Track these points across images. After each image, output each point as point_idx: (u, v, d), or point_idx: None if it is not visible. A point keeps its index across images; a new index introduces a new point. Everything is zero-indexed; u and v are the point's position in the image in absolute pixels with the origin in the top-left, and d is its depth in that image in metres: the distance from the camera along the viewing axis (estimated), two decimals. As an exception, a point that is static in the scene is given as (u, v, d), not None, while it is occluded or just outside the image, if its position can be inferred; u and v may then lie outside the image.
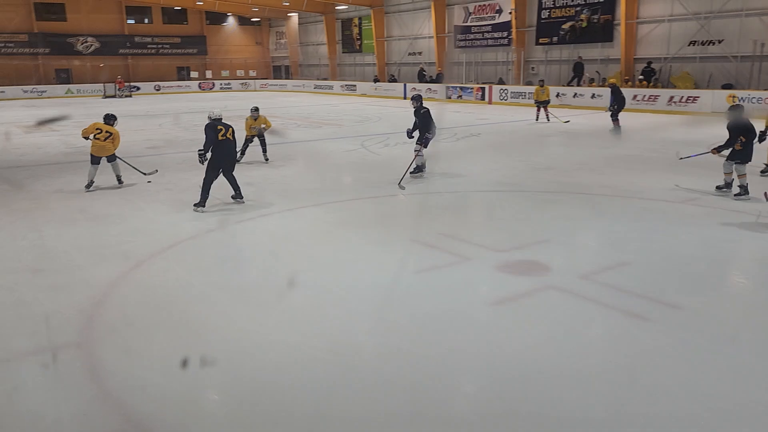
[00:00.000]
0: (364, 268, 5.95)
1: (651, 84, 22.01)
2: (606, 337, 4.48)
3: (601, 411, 3.50)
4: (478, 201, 8.82)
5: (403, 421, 3.47)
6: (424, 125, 9.95)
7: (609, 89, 16.52)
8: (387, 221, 7.76)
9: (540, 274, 5.60)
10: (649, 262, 5.94)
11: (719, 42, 20.90)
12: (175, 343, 4.42)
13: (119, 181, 9.81)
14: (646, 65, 22.48)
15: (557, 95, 22.73)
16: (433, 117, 9.98)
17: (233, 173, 8.34)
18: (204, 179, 8.05)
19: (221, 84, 42.61)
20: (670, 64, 22.36)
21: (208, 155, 8.07)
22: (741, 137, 8.06)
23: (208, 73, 43.77)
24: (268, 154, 11.91)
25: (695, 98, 19.44)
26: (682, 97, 19.76)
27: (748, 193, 8.19)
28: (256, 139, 11.64)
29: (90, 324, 4.70)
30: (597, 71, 24.63)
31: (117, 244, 6.75)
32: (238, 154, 10.45)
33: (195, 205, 8.10)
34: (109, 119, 9.64)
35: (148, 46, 42.44)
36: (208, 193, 8.08)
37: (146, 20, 42.64)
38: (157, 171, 10.38)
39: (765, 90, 18.64)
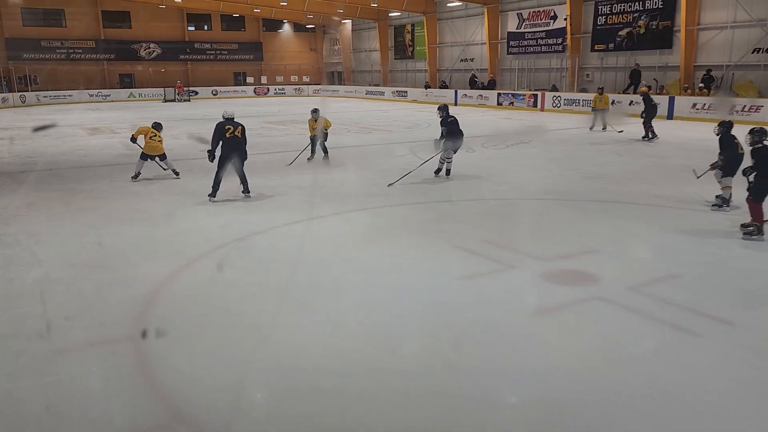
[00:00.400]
0: (408, 273, 5.98)
1: (711, 92, 21.26)
2: (652, 351, 4.37)
3: (646, 427, 3.42)
4: (526, 209, 8.73)
5: (442, 429, 3.48)
6: (450, 133, 10.26)
7: (666, 96, 16.02)
8: (432, 227, 7.77)
9: (586, 285, 5.50)
10: (701, 275, 5.75)
11: (787, 49, 20.01)
12: (220, 340, 4.56)
13: (176, 173, 11.00)
14: (705, 73, 21.73)
15: (612, 103, 22.21)
16: (459, 126, 10.38)
17: (243, 168, 8.99)
18: (216, 172, 8.85)
19: (275, 89, 43.50)
20: (733, 72, 21.54)
21: (218, 153, 8.77)
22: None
23: (263, 79, 44.77)
24: (329, 154, 12.53)
25: (759, 107, 18.64)
26: (745, 106, 18.98)
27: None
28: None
29: (141, 319, 4.90)
30: (655, 79, 23.94)
31: (170, 243, 7.01)
32: (309, 153, 12.27)
33: (209, 195, 8.98)
34: (157, 127, 11.04)
35: (207, 52, 43.76)
36: (218, 185, 8.93)
37: (206, 27, 43.98)
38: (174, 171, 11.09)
39: (836, 99, 17.74)
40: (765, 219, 6.90)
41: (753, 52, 20.94)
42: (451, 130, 10.26)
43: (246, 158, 8.99)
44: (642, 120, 15.48)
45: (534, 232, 7.66)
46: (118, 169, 12.10)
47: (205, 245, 6.86)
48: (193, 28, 43.47)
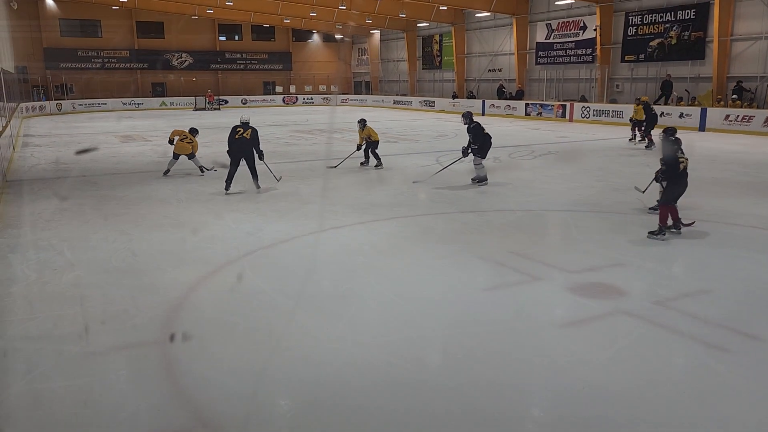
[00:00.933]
0: (433, 284, 5.98)
1: (746, 104, 20.85)
2: (679, 367, 4.30)
3: (669, 443, 3.37)
4: (552, 220, 8.66)
5: (460, 437, 3.47)
6: (476, 139, 10.57)
7: (698, 108, 15.72)
8: (458, 237, 7.76)
9: (612, 298, 5.43)
10: (731, 290, 5.64)
11: (824, 60, 19.56)
12: (245, 346, 4.62)
13: (201, 171, 12.40)
14: (736, 84, 21.34)
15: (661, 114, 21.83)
16: (485, 129, 10.76)
17: (254, 165, 10.26)
18: (228, 169, 10.24)
19: (304, 98, 43.98)
20: (767, 83, 21.11)
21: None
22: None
23: (292, 88, 45.29)
24: (380, 162, 13.18)
25: (795, 119, 18.24)
26: (779, 118, 18.59)
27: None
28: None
29: (169, 324, 4.99)
30: (686, 90, 23.60)
31: (197, 249, 7.12)
32: (363, 160, 13.19)
33: (225, 189, 10.25)
34: (194, 131, 12.62)
35: (238, 61, 44.47)
36: (229, 179, 10.24)
37: (236, 37, 44.73)
38: (216, 170, 12.20)
39: None
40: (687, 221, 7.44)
41: (789, 63, 20.51)
42: (476, 135, 10.52)
43: (254, 157, 10.22)
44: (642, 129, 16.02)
45: (561, 243, 7.60)
46: (149, 176, 12.34)
47: (232, 252, 6.96)
48: (224, 38, 44.25)
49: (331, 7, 33.70)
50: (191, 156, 12.38)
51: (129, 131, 23.23)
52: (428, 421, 3.61)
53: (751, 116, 19.33)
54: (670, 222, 7.33)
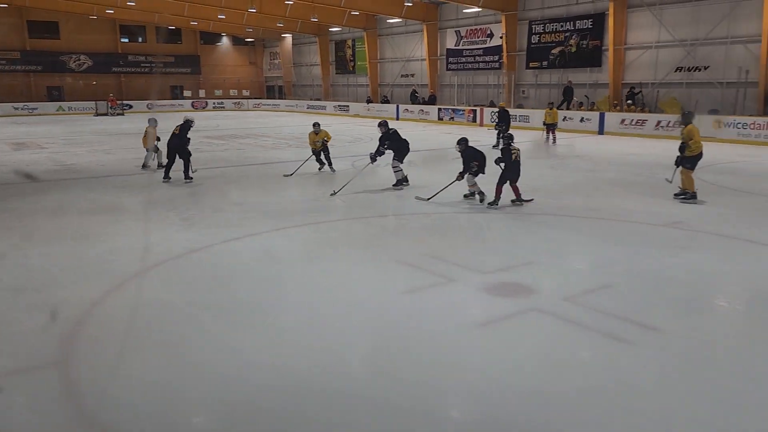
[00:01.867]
0: (350, 289, 5.94)
1: (639, 108, 22.31)
2: (588, 360, 4.49)
3: (579, 431, 3.50)
4: (465, 222, 8.86)
5: (382, 443, 3.45)
6: (395, 143, 10.96)
7: (597, 112, 16.69)
8: (374, 242, 7.77)
9: (525, 296, 5.61)
10: (633, 284, 5.97)
11: (705, 68, 21.26)
12: (155, 363, 4.39)
13: (159, 165, 13.07)
14: (629, 90, 22.82)
15: (564, 119, 22.85)
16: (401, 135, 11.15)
17: (186, 159, 11.70)
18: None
19: (214, 103, 42.82)
20: (658, 89, 22.70)
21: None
22: (475, 162, 9.47)
23: (201, 92, 43.99)
24: (334, 165, 12.93)
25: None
26: (669, 121, 19.99)
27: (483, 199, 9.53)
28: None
29: (70, 344, 4.66)
30: (586, 95, 24.96)
31: (101, 263, 6.72)
32: (319, 166, 12.92)
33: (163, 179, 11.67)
34: (151, 121, 13.61)
35: (142, 64, 42.67)
36: (166, 170, 11.78)
37: (140, 39, 42.93)
38: (196, 170, 12.28)
39: (749, 116, 18.92)
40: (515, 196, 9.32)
41: (676, 71, 22.14)
42: (394, 138, 10.93)
43: (180, 151, 11.60)
44: (497, 131, 17.65)
45: (474, 245, 7.78)
46: (46, 186, 11.56)
47: (138, 264, 6.62)
48: (126, 40, 42.37)
49: (241, 10, 33.01)
50: (155, 149, 13.46)
51: (22, 138, 21.68)
52: (352, 428, 3.57)
53: (644, 120, 20.71)
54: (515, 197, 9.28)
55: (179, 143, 11.70)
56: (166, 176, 11.77)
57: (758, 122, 18.03)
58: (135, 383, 4.08)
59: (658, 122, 20.28)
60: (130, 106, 38.26)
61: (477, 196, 9.97)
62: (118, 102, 36.98)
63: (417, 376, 4.17)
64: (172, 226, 8.38)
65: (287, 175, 12.43)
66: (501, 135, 17.31)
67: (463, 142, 10.18)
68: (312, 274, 6.37)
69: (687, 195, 9.49)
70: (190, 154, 11.83)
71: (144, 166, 13.58)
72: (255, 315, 5.28)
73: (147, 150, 13.58)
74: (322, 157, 12.86)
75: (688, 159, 9.45)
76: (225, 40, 46.80)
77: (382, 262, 6.73)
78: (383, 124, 11.15)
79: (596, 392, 3.95)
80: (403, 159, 11.13)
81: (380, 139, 11.04)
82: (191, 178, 11.83)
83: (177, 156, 11.71)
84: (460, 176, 9.72)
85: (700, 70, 21.44)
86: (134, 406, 3.78)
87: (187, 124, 11.88)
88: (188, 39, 44.79)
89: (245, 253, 7.24)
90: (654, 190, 10.63)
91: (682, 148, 9.47)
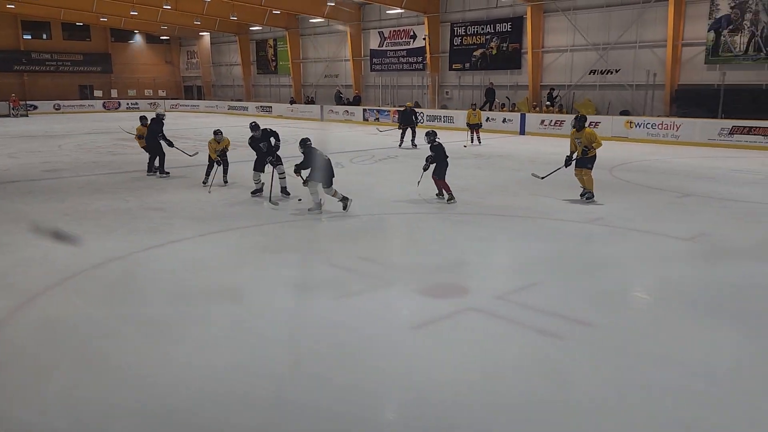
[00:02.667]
0: (282, 294, 5.77)
1: (557, 110, 23.18)
2: (521, 356, 4.54)
3: (519, 427, 3.53)
4: (397, 223, 8.85)
5: (323, 455, 3.34)
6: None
7: (518, 113, 17.02)
8: (305, 245, 7.61)
9: (458, 296, 5.64)
10: (560, 280, 6.13)
11: (616, 71, 22.36)
12: (74, 381, 4.07)
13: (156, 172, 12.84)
14: (549, 91, 23.69)
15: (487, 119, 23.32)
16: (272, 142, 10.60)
17: (161, 154, 12.44)
18: None
19: (128, 104, 40.93)
20: (573, 91, 23.66)
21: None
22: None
23: (114, 92, 41.96)
24: (228, 176, 11.61)
25: (597, 123, 20.58)
26: (586, 122, 20.86)
27: None
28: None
29: (-26, 366, 4.25)
30: (507, 97, 25.67)
31: (7, 276, 6.21)
32: (205, 177, 11.44)
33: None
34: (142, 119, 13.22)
35: (47, 63, 40.22)
36: (150, 166, 12.58)
37: (44, 36, 40.44)
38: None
39: (658, 116, 20.06)
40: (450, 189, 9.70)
41: (590, 74, 23.16)
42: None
43: (152, 146, 12.34)
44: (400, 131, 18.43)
45: (407, 246, 7.77)
46: (-58, 193, 10.62)
47: (49, 276, 6.15)
48: (29, 37, 39.81)
49: (155, 6, 31.72)
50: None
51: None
52: (280, 430, 3.43)
53: (562, 120, 21.53)
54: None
55: (150, 138, 12.23)
56: (151, 171, 12.54)
57: (665, 122, 19.14)
58: (50, 406, 3.76)
59: (574, 122, 21.11)
60: (35, 107, 35.99)
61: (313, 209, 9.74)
62: (21, 102, 34.67)
63: (351, 381, 4.08)
64: (87, 234, 7.87)
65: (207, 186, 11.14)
66: (404, 135, 18.29)
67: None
68: (240, 282, 6.14)
69: (590, 194, 9.85)
70: (171, 144, 12.38)
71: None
72: (180, 326, 5.01)
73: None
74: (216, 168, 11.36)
75: (589, 160, 9.80)
76: (138, 38, 44.87)
77: (314, 266, 6.59)
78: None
79: (531, 387, 4.00)
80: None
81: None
82: (167, 173, 12.33)
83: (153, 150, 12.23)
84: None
85: (611, 72, 22.53)
86: (52, 430, 3.48)
87: (158, 119, 12.22)
88: (98, 36, 42.60)
89: (168, 260, 6.90)
90: (575, 189, 11.01)
91: (584, 152, 9.78)
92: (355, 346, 4.63)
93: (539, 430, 3.55)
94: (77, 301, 5.62)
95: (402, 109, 19.95)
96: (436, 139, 9.92)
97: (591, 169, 9.90)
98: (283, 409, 3.74)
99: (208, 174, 11.40)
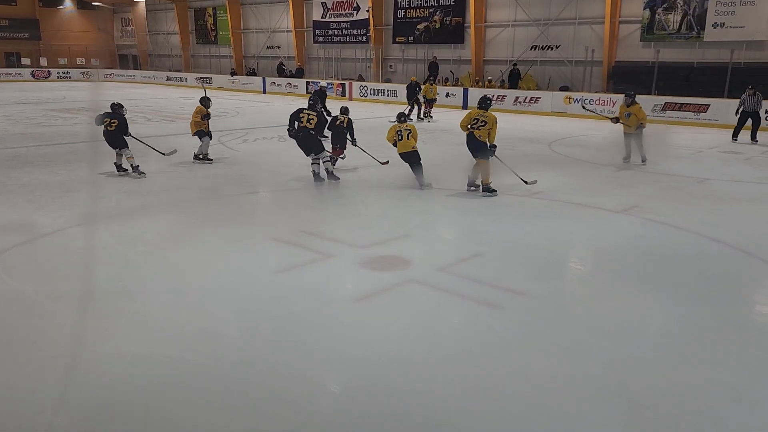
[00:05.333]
0: (222, 269, 5.69)
1: (498, 85, 23.44)
2: (462, 326, 4.66)
3: (460, 394, 3.63)
4: (338, 197, 8.82)
5: (267, 426, 3.36)
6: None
7: (461, 88, 17.15)
8: (246, 220, 7.51)
9: (401, 269, 5.71)
10: (500, 252, 6.29)
11: (557, 47, 22.78)
12: (3, 363, 3.92)
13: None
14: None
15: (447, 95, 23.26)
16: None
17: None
18: None
19: (58, 72, 38.93)
20: (515, 66, 23.98)
21: None
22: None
23: (43, 61, 39.80)
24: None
25: (537, 99, 21.01)
26: (527, 97, 21.28)
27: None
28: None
29: None
30: (451, 71, 25.78)
31: (-71, 253, 5.88)
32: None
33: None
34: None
35: (-31, 28, 37.74)
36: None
37: (-35, -1, 37.87)
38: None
39: (595, 92, 20.61)
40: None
41: (531, 49, 23.50)
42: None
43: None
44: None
45: (348, 220, 7.78)
46: None
47: (-23, 253, 5.87)
48: (-52, -1, 37.19)
49: (87, -30, 30.13)
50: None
51: None
52: (226, 412, 3.42)
53: (503, 96, 21.81)
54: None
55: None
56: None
57: (603, 98, 19.68)
58: (-22, 388, 3.62)
59: (516, 98, 21.46)
60: (-43, 75, 33.81)
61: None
62: (-59, 70, 32.50)
63: (293, 354, 4.09)
64: (15, 207, 7.53)
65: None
66: (411, 111, 17.91)
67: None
68: (180, 256, 6.02)
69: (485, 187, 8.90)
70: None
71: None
72: (116, 303, 4.88)
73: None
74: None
75: (492, 147, 8.75)
76: (68, 3, 42.58)
77: (256, 240, 6.53)
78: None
79: (472, 355, 4.12)
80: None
81: None
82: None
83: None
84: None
85: (552, 48, 22.94)
86: (-22, 414, 3.36)
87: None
88: (24, 1, 40.19)
89: (102, 235, 6.66)
90: (514, 162, 11.24)
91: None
92: (296, 321, 4.62)
93: (477, 398, 3.66)
94: (5, 278, 5.38)
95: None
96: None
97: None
98: (220, 390, 3.72)
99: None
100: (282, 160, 11.06)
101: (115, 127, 9.43)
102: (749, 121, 14.13)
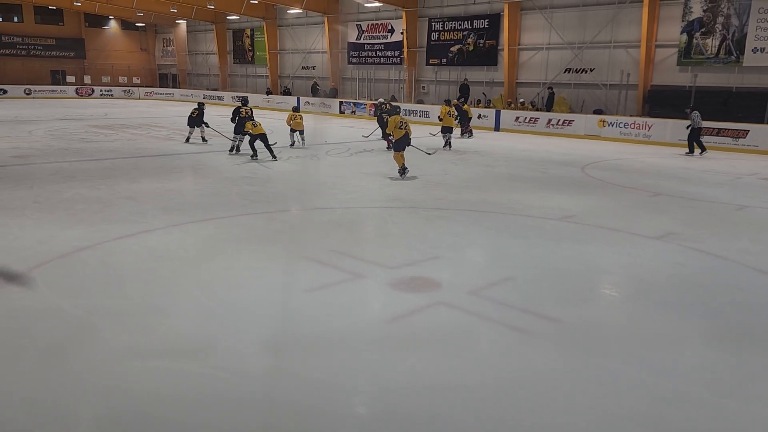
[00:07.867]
0: (253, 287, 5.75)
1: (533, 107, 23.35)
2: (491, 352, 4.61)
3: (489, 423, 3.57)
4: (371, 217, 8.86)
5: (292, 448, 3.35)
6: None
7: (493, 110, 17.24)
8: (279, 237, 7.58)
9: (431, 291, 5.68)
10: (531, 277, 6.21)
11: (591, 70, 22.63)
12: (40, 374, 4.01)
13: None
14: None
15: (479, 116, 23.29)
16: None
17: None
18: None
19: (101, 90, 40.19)
20: (551, 89, 23.87)
21: None
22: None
23: (87, 79, 41.16)
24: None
25: (570, 122, 20.86)
26: (559, 120, 21.15)
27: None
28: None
29: (-64, 356, 4.16)
30: (483, 93, 25.80)
31: (-27, 264, 6.08)
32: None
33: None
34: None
35: (18, 46, 39.32)
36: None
37: (16, 19, 39.52)
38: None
39: (630, 116, 20.36)
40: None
41: (565, 72, 23.40)
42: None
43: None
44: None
45: (380, 240, 7.79)
46: None
47: (19, 265, 6.04)
48: (0, 19, 38.75)
49: (130, -7, 31.18)
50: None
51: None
52: (254, 428, 3.43)
53: (536, 118, 21.72)
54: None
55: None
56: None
57: (638, 122, 19.44)
58: (14, 398, 3.70)
59: (549, 120, 21.35)
60: (5, 91, 35.16)
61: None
62: (-9, 86, 33.85)
63: (320, 374, 4.08)
64: (57, 221, 7.75)
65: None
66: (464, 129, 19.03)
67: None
68: (212, 273, 6.10)
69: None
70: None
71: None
72: (150, 317, 4.97)
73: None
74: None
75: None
76: (113, 24, 44.05)
77: (288, 259, 6.58)
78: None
79: (502, 382, 4.06)
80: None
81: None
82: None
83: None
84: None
85: (586, 71, 22.80)
86: (13, 423, 3.42)
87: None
88: (71, 21, 41.73)
89: (139, 250, 6.81)
90: (546, 185, 11.16)
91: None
92: (324, 339, 4.63)
93: (506, 424, 3.60)
94: (44, 290, 5.52)
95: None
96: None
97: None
98: (250, 405, 3.73)
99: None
100: (315, 179, 11.16)
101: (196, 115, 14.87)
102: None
